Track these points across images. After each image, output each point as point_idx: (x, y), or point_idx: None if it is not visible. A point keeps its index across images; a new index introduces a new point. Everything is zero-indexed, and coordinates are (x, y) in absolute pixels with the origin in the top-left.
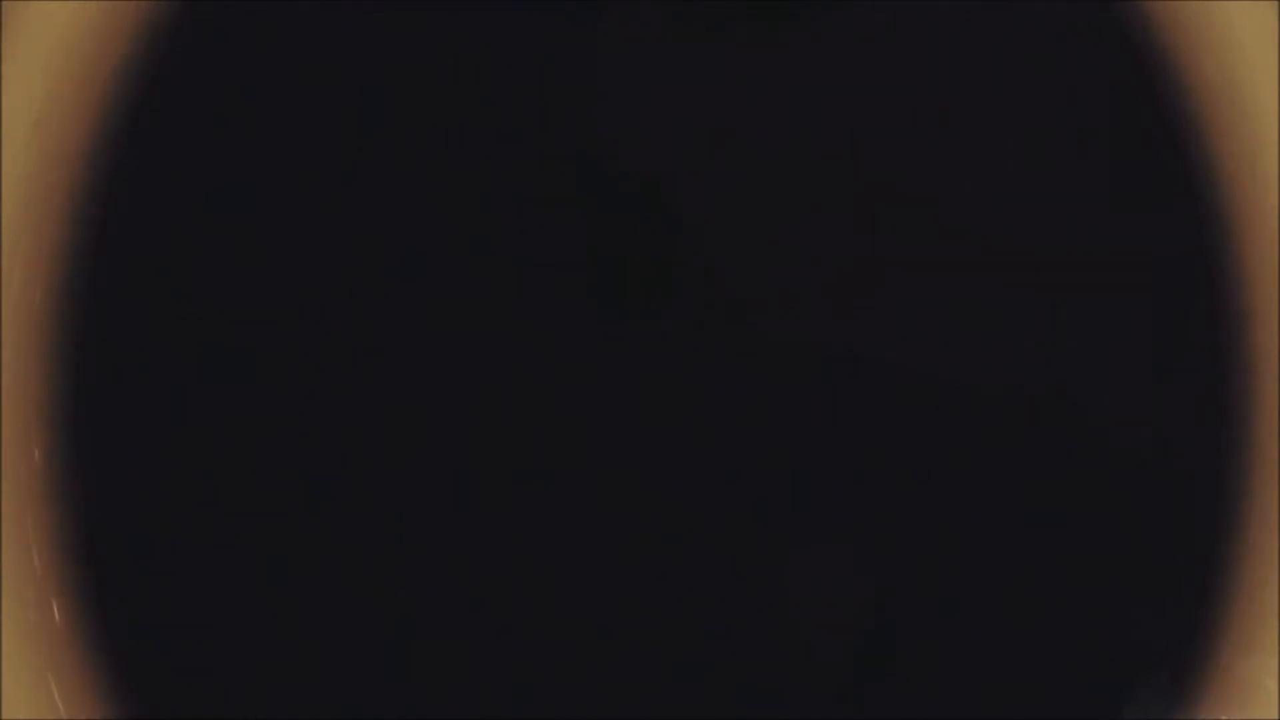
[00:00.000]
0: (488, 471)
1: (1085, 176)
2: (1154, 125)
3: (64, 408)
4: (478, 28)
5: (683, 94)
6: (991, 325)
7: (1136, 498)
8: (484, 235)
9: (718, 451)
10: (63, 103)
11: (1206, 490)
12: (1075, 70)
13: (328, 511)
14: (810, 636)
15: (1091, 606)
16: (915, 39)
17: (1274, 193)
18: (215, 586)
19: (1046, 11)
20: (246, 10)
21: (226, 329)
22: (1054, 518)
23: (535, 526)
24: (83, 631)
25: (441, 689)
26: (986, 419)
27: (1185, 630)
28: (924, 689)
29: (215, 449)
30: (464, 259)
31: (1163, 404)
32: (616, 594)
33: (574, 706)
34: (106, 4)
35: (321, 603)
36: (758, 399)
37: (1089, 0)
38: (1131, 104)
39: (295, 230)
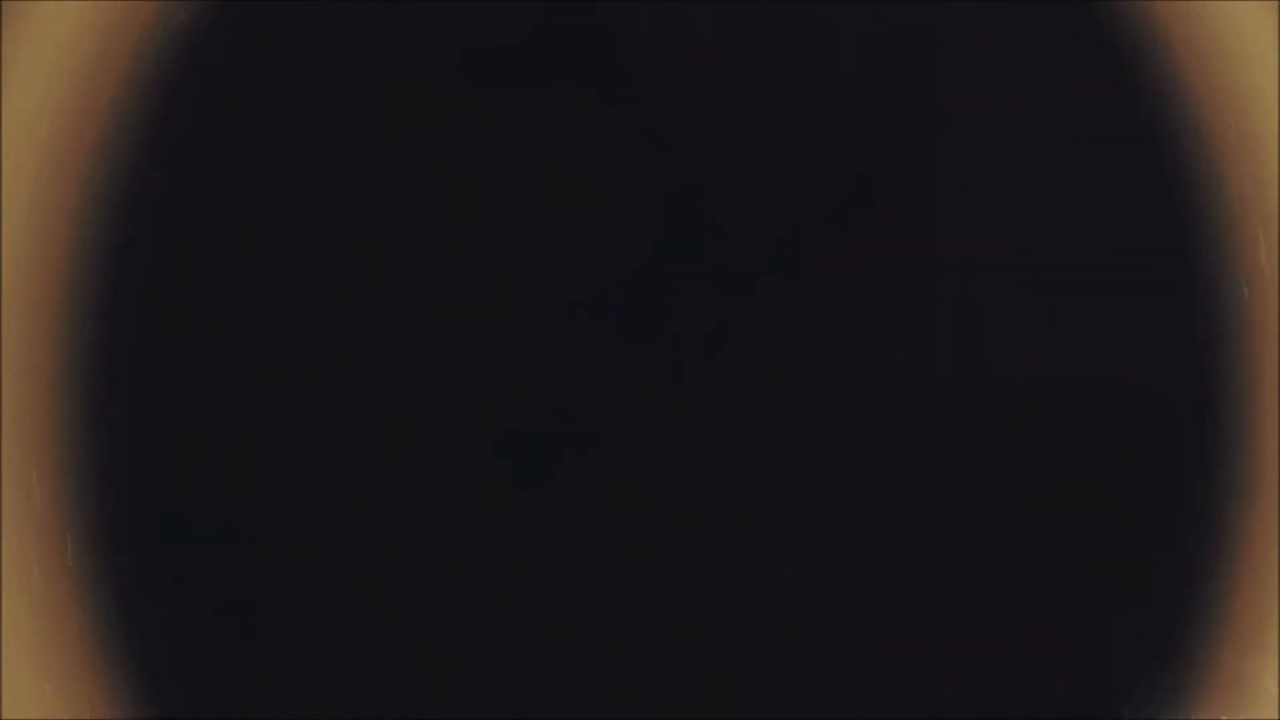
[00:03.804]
0: (488, 472)
1: (1082, 176)
2: (1152, 125)
3: (69, 408)
4: (479, 28)
5: (680, 92)
6: (990, 326)
7: (1136, 497)
8: (485, 236)
9: (718, 451)
10: (66, 102)
11: (1206, 490)
12: (1073, 70)
13: (328, 512)
14: (810, 636)
15: (1091, 606)
16: (914, 39)
17: (1274, 192)
18: (216, 587)
19: (1044, 11)
20: (250, 10)
21: (231, 329)
22: (1053, 517)
23: (535, 526)
24: (85, 631)
25: (442, 689)
26: (986, 419)
27: (1185, 630)
28: (923, 689)
29: (216, 449)
30: (465, 260)
31: (1162, 404)
32: (617, 594)
33: (574, 706)
34: (109, 4)
35: (322, 603)
36: (758, 399)
37: (1089, 0)
38: (1130, 103)
39: (299, 230)
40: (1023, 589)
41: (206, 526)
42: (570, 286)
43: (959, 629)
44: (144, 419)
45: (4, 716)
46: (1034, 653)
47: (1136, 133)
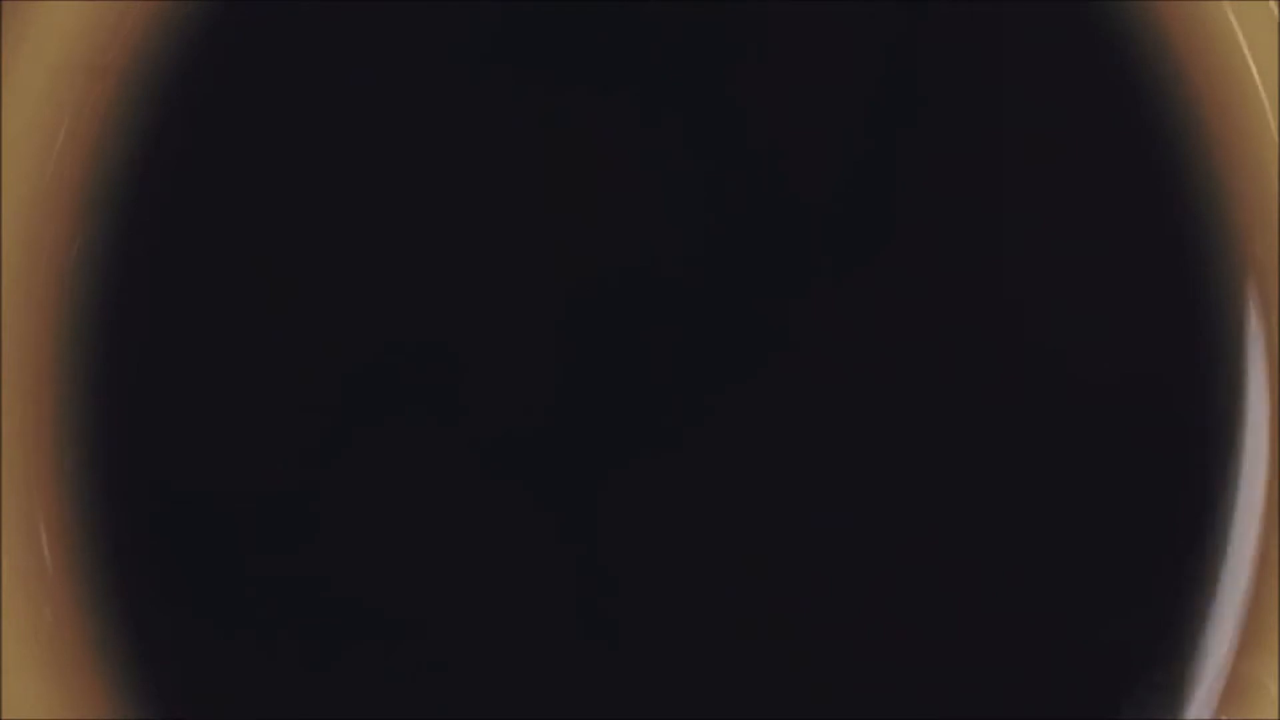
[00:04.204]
0: (493, 478)
1: (1084, 176)
2: (1154, 125)
3: (70, 409)
4: (481, 28)
5: (681, 93)
6: (990, 326)
7: (1136, 497)
8: (492, 238)
9: (719, 451)
10: (66, 102)
11: (1206, 490)
12: (1075, 70)
13: (331, 514)
14: (810, 635)
15: (1091, 605)
16: (913, 40)
17: (1274, 192)
18: (216, 588)
19: (1046, 12)
20: (251, 10)
21: (234, 330)
22: (1054, 517)
23: (536, 526)
24: (85, 631)
25: (443, 690)
26: (988, 419)
27: (1185, 630)
28: (924, 689)
29: (219, 451)
30: (471, 260)
31: (1163, 406)
32: (618, 594)
33: (575, 705)
34: (109, 5)
35: (323, 603)
36: (759, 398)
37: (1089, 0)
38: (1131, 103)
39: (304, 229)
40: (1024, 590)
41: (208, 527)
42: (574, 288)
43: (961, 629)
44: (145, 420)
45: (4, 716)
46: (1034, 653)
47: (1135, 131)
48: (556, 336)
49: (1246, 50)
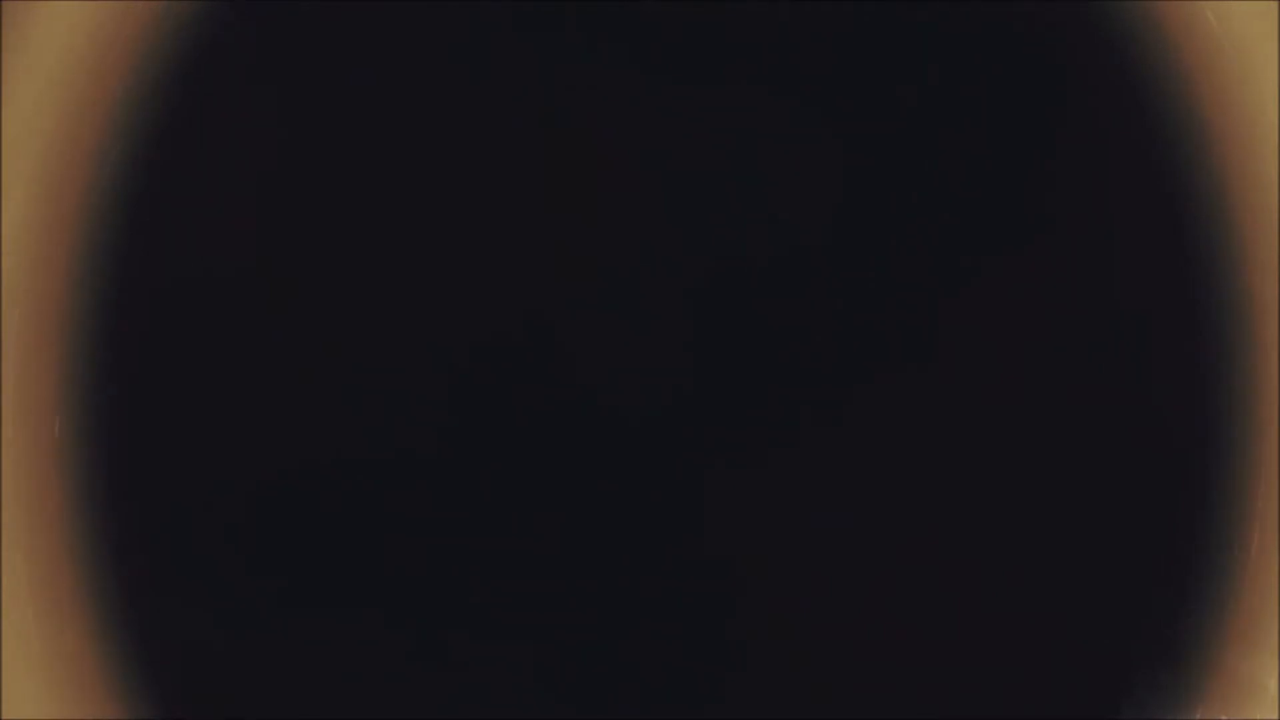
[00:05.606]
0: (494, 480)
1: (1084, 176)
2: (1155, 125)
3: (75, 406)
4: (482, 28)
5: (681, 93)
6: (990, 325)
7: (1137, 498)
8: (490, 237)
9: (719, 451)
10: (66, 103)
11: (1207, 490)
12: (1076, 70)
13: (337, 516)
14: (808, 634)
15: (1091, 605)
16: (917, 41)
17: (1274, 193)
18: (221, 588)
19: (1047, 12)
20: (252, 10)
21: (232, 326)
22: (1055, 518)
23: (537, 526)
24: (86, 632)
25: (442, 690)
26: (990, 420)
27: (1185, 630)
28: (924, 688)
29: (224, 452)
30: (467, 259)
31: (1163, 406)
32: (617, 593)
33: (575, 706)
34: (109, 5)
35: (324, 604)
36: (761, 398)
37: (1089, 1)
38: (1131, 103)
39: (303, 228)
40: (1024, 590)
41: (209, 527)
42: (574, 288)
43: (961, 629)
44: (145, 419)
45: (4, 716)
46: (1034, 653)
47: (1135, 131)
48: (552, 337)
49: (1247, 50)
